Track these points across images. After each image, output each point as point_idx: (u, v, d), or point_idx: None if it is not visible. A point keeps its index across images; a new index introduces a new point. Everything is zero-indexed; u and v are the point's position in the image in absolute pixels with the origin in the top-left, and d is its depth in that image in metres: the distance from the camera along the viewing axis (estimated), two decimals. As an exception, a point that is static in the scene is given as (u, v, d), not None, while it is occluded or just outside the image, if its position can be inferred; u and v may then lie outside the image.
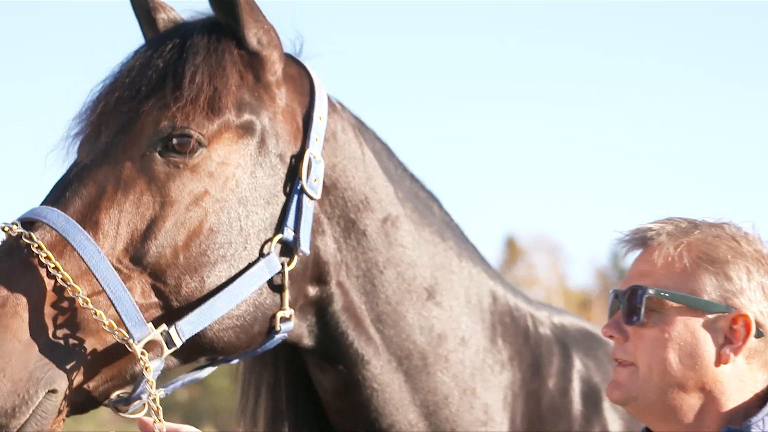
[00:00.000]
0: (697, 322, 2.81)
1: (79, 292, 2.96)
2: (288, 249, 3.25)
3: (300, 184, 3.27)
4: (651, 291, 2.82)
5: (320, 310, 3.39)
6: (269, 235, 3.23)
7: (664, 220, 2.94)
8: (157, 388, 3.06)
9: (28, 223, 3.03)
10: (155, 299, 3.08)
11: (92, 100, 3.25)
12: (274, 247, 3.22)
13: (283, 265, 3.22)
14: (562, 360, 3.77)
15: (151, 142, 3.13)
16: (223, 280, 3.14)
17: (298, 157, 3.30)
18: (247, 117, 3.22)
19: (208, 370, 3.34)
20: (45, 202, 3.11)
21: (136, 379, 3.05)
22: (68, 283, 2.96)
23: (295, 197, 3.27)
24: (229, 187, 3.16)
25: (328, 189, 3.37)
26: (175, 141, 3.12)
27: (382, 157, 3.58)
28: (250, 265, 3.18)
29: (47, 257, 2.96)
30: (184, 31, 3.29)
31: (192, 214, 3.11)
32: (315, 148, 3.32)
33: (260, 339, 3.26)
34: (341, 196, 3.40)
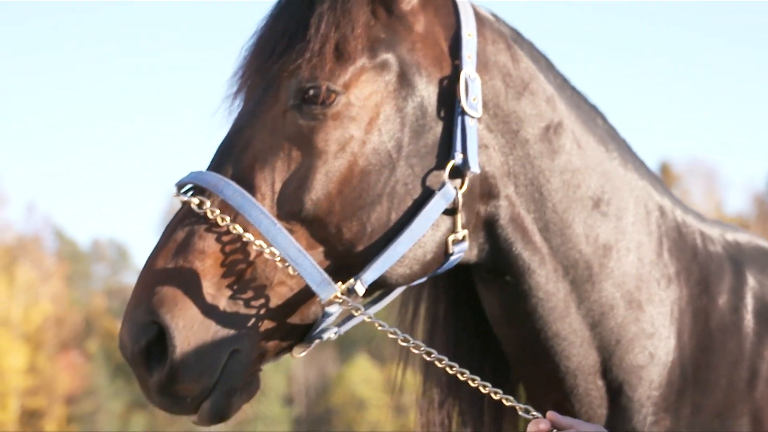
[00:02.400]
0: None
1: (264, 247, 3.05)
2: (458, 172, 3.25)
3: (460, 107, 3.26)
4: None
5: (489, 225, 3.40)
6: (428, 164, 3.23)
7: None
8: (331, 327, 3.20)
9: (199, 188, 3.14)
10: (322, 248, 3.14)
11: (241, 60, 3.31)
12: (447, 176, 3.23)
13: (456, 189, 3.24)
14: (734, 278, 3.69)
15: (290, 99, 3.17)
16: (384, 218, 3.18)
17: (451, 80, 3.29)
18: (382, 55, 3.22)
19: (386, 302, 3.41)
20: (209, 168, 3.18)
21: (317, 321, 3.16)
22: (253, 241, 3.05)
23: (459, 120, 3.26)
24: (375, 128, 3.18)
25: (486, 103, 3.35)
26: (310, 94, 3.15)
27: (542, 66, 3.55)
28: (421, 201, 3.21)
29: (223, 219, 3.06)
30: None
31: (340, 161, 3.14)
32: (469, 67, 3.30)
33: (435, 265, 3.30)
34: (501, 108, 3.39)
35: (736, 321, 3.65)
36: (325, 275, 3.07)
